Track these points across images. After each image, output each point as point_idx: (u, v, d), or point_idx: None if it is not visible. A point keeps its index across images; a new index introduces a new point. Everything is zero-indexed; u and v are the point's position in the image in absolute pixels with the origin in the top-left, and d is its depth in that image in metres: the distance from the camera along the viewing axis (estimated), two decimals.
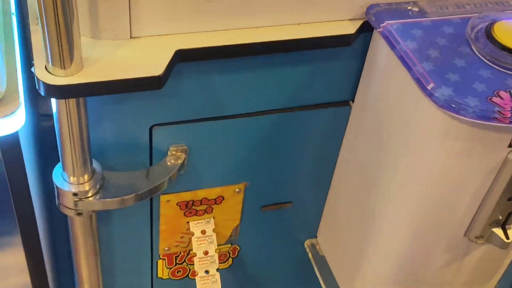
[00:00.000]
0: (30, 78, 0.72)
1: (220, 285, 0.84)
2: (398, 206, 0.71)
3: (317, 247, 0.95)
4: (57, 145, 1.04)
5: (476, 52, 0.63)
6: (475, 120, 0.58)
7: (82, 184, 0.68)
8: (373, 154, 0.74)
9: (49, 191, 0.97)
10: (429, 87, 0.59)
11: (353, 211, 0.83)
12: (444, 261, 0.77)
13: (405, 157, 0.67)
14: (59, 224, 1.06)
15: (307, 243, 0.96)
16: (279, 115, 0.77)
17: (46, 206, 0.95)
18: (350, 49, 0.71)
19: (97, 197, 0.69)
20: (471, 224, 0.70)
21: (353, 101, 0.78)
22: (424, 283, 0.81)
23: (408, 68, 0.62)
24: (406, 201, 0.70)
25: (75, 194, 0.68)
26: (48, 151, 0.96)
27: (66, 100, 0.61)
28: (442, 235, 0.72)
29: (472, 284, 0.84)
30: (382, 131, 0.71)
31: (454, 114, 0.58)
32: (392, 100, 0.68)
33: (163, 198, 0.79)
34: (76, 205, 0.69)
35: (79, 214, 0.70)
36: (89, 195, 0.69)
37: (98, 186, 0.69)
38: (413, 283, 0.81)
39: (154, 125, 0.72)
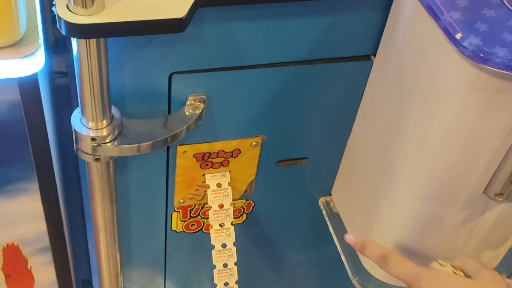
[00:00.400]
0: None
1: (234, 239, 0.85)
2: (417, 161, 0.70)
3: (331, 204, 0.94)
4: (68, 97, 1.04)
5: (506, 3, 0.61)
6: (503, 71, 0.57)
7: (100, 129, 0.68)
8: (393, 109, 0.73)
9: (63, 138, 0.97)
10: (457, 37, 0.58)
11: (369, 168, 0.82)
12: (460, 220, 0.76)
13: (428, 110, 0.66)
14: (71, 172, 1.07)
15: (321, 200, 0.95)
16: (299, 67, 0.76)
17: (61, 153, 0.95)
18: (374, 0, 0.70)
19: (115, 143, 0.69)
20: (491, 181, 0.70)
21: (374, 55, 0.77)
22: (438, 243, 0.80)
23: (436, 17, 0.61)
24: (425, 156, 0.69)
25: (93, 139, 0.68)
26: (60, 103, 0.97)
27: (87, 41, 0.60)
28: (460, 192, 0.71)
29: (485, 248, 0.84)
30: (404, 85, 0.70)
31: (482, 65, 0.57)
32: (417, 52, 0.66)
33: (180, 149, 0.79)
34: (94, 150, 0.68)
35: (97, 160, 0.70)
36: (107, 140, 0.68)
37: (116, 132, 0.69)
38: (427, 244, 0.80)
39: (174, 72, 0.71)
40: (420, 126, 0.67)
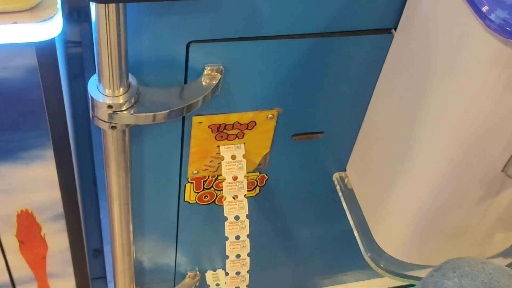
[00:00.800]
0: None
1: (247, 211, 0.84)
2: (437, 137, 0.70)
3: (346, 180, 0.94)
4: (82, 67, 1.04)
5: None
6: None
7: (117, 96, 0.67)
8: (413, 84, 0.72)
9: (76, 108, 0.97)
10: (483, 9, 0.57)
11: (386, 144, 0.81)
12: (477, 198, 0.75)
13: (450, 86, 0.65)
14: (84, 143, 1.07)
15: (335, 176, 0.95)
16: (318, 39, 0.74)
17: (74, 123, 0.95)
18: None
19: (132, 111, 0.68)
20: (510, 159, 0.69)
21: (395, 29, 0.75)
22: (452, 221, 0.80)
23: None
24: (445, 132, 0.68)
25: (109, 107, 0.67)
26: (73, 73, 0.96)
27: (106, 6, 0.59)
28: (479, 169, 0.70)
29: (500, 227, 0.84)
30: (426, 59, 0.69)
31: (508, 39, 0.56)
32: (440, 26, 0.65)
33: (196, 119, 0.79)
34: (110, 118, 0.68)
35: (113, 127, 0.69)
36: (124, 108, 0.68)
37: (133, 100, 0.68)
38: (441, 221, 0.80)
39: (192, 41, 0.70)
40: (441, 101, 0.66)
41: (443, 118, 0.67)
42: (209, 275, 1.05)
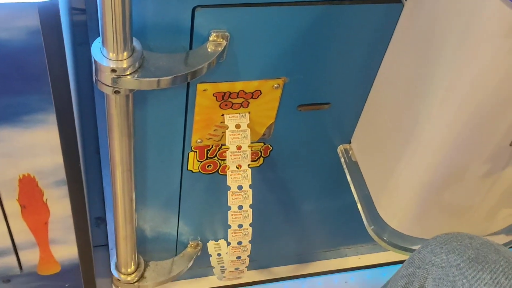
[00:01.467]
0: None
1: (250, 181, 0.84)
2: (444, 109, 0.68)
3: (350, 152, 0.93)
4: (86, 35, 1.02)
5: None
6: None
7: (121, 60, 0.66)
8: (423, 55, 0.70)
9: (80, 76, 0.96)
10: None
11: (392, 116, 0.80)
12: (483, 172, 0.75)
13: (460, 56, 0.63)
14: (88, 111, 1.06)
15: (340, 148, 0.94)
16: (327, 7, 0.73)
17: (78, 91, 0.94)
18: None
19: (135, 76, 0.67)
20: None
21: None
22: (458, 194, 0.79)
23: None
24: (454, 104, 0.67)
25: (113, 71, 0.66)
26: (77, 41, 0.95)
27: None
28: (487, 143, 0.69)
29: (505, 203, 0.83)
30: (436, 30, 0.67)
31: None
32: None
33: (200, 87, 0.78)
34: (114, 82, 0.67)
35: (116, 92, 0.68)
36: (127, 72, 0.67)
37: (137, 65, 0.67)
38: (445, 197, 0.79)
39: (197, 6, 0.69)
40: (451, 72, 0.65)
41: (453, 89, 0.66)
42: (211, 245, 1.05)
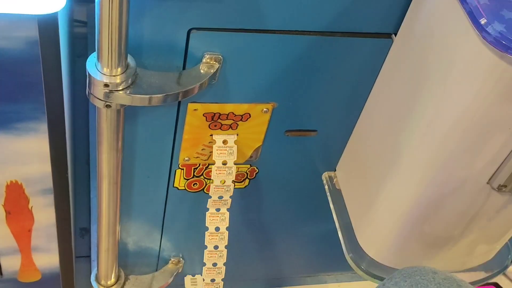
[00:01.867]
0: None
1: (232, 193, 0.85)
2: (425, 144, 0.70)
3: (335, 180, 0.95)
4: (85, 48, 1.04)
5: None
6: None
7: (114, 76, 0.68)
8: (408, 90, 0.72)
9: (76, 88, 0.98)
10: (481, 21, 0.57)
11: (376, 148, 0.82)
12: (461, 208, 0.76)
13: (442, 94, 0.66)
14: (81, 123, 1.08)
15: (325, 175, 0.96)
16: (319, 38, 0.75)
17: (72, 103, 0.95)
18: None
19: (128, 91, 0.69)
20: (496, 172, 0.69)
21: (395, 34, 0.76)
22: (436, 229, 0.81)
23: (462, 0, 0.60)
24: (434, 140, 0.69)
25: (106, 85, 0.68)
26: (76, 53, 0.96)
27: None
28: (464, 179, 0.71)
29: (482, 240, 0.84)
30: (422, 66, 0.69)
31: (503, 53, 0.57)
32: (438, 34, 0.66)
33: (191, 106, 0.79)
34: (106, 96, 0.69)
35: (108, 106, 0.70)
36: (120, 88, 0.68)
37: (130, 81, 0.69)
38: (426, 228, 0.81)
39: (193, 28, 0.71)
40: (433, 108, 0.67)
41: (434, 125, 0.68)
42: (187, 279, 1.06)
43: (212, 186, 0.84)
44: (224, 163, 0.82)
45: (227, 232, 0.91)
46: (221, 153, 0.82)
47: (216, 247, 0.89)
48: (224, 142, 0.83)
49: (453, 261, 0.87)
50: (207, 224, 0.89)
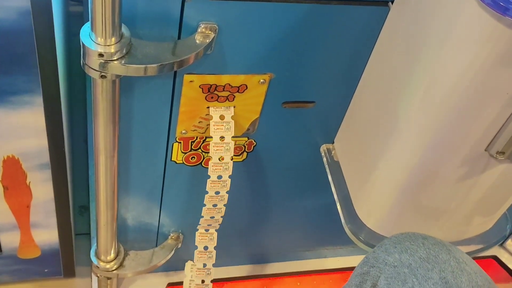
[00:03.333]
0: None
1: (231, 172, 0.85)
2: (422, 111, 0.70)
3: (333, 152, 0.94)
4: (81, 19, 1.03)
5: None
6: None
7: (108, 45, 0.67)
8: (406, 57, 0.72)
9: (72, 67, 0.97)
10: None
11: (374, 117, 0.82)
12: (459, 176, 0.76)
13: (440, 59, 0.65)
14: (78, 101, 1.07)
15: (323, 147, 0.95)
16: (315, 5, 0.74)
17: (69, 80, 0.95)
18: None
19: (122, 61, 0.68)
20: (494, 138, 0.69)
21: (392, 1, 0.75)
22: (434, 198, 0.80)
23: None
24: (431, 106, 0.68)
25: (100, 55, 0.67)
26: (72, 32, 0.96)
27: None
28: (462, 146, 0.71)
29: (481, 209, 0.84)
30: (419, 33, 0.69)
31: (501, 15, 0.56)
32: (436, 0, 0.65)
33: (187, 78, 0.79)
34: (101, 67, 0.68)
35: (103, 77, 0.69)
36: (115, 58, 0.68)
37: (124, 51, 0.68)
38: (424, 197, 0.80)
39: None
40: (430, 74, 0.66)
41: (431, 91, 0.67)
42: (188, 265, 1.06)
43: (210, 163, 0.84)
44: (222, 139, 0.82)
45: (227, 195, 0.90)
46: (218, 128, 0.82)
47: (214, 205, 0.89)
48: (221, 117, 0.82)
49: (451, 230, 0.87)
50: (208, 189, 0.88)
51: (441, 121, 0.68)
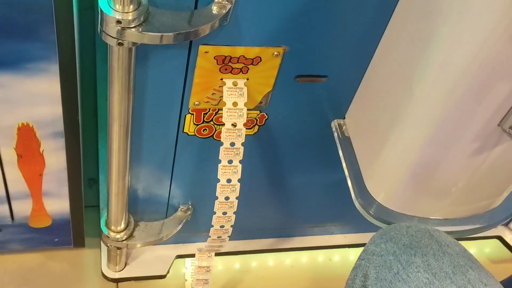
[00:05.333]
0: None
1: (243, 139, 0.85)
2: (437, 85, 0.70)
3: (344, 128, 0.95)
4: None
5: None
6: None
7: (126, 13, 0.67)
8: (422, 30, 0.72)
9: (82, 36, 0.97)
10: None
11: (387, 92, 0.82)
12: (471, 151, 0.76)
13: (457, 31, 0.65)
14: (88, 71, 1.08)
15: (334, 123, 0.96)
16: None
17: (80, 50, 0.95)
18: None
19: (140, 29, 0.69)
20: (508, 113, 0.70)
21: None
22: (446, 173, 0.81)
23: None
24: (447, 80, 0.69)
25: (118, 22, 0.68)
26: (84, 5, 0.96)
27: None
28: (475, 122, 0.71)
29: (491, 185, 0.85)
30: (436, 6, 0.69)
31: None
32: None
33: (202, 48, 0.79)
34: (118, 34, 0.69)
35: (120, 44, 0.70)
36: (132, 25, 0.68)
37: (142, 19, 0.69)
38: (433, 175, 0.81)
39: None
40: (446, 47, 0.67)
41: (447, 65, 0.68)
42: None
43: (223, 129, 0.84)
44: (235, 105, 0.82)
45: (239, 184, 0.90)
46: (231, 94, 0.82)
47: (229, 180, 0.89)
48: (234, 83, 0.83)
49: (459, 207, 0.88)
50: (219, 176, 0.89)
51: (456, 95, 0.68)
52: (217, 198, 0.93)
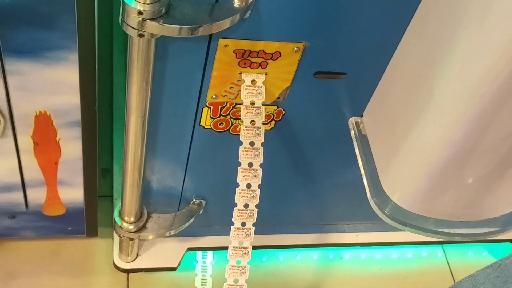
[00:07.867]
0: None
1: (263, 138, 0.85)
2: (460, 86, 0.69)
3: (361, 126, 0.94)
4: None
5: None
6: None
7: (148, 4, 0.67)
8: (444, 31, 0.71)
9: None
10: None
11: (407, 92, 0.81)
12: (490, 154, 0.76)
13: (480, 32, 0.64)
14: (104, 62, 1.07)
15: (351, 120, 0.95)
16: None
17: (102, 30, 0.95)
18: None
19: (161, 21, 0.69)
20: None
21: None
22: (461, 178, 0.80)
23: None
24: (469, 82, 0.68)
25: (140, 13, 0.67)
26: None
27: None
28: (497, 123, 0.70)
29: (506, 194, 0.84)
30: (459, 5, 0.68)
31: None
32: None
33: (222, 42, 0.79)
34: (139, 25, 0.68)
35: (141, 35, 0.70)
36: (154, 17, 0.68)
37: (163, 11, 0.68)
38: (451, 176, 0.80)
39: None
40: (470, 47, 0.66)
41: (469, 66, 0.67)
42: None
43: (242, 127, 0.83)
44: (252, 103, 0.82)
45: (259, 190, 0.86)
46: (249, 93, 0.82)
47: (249, 185, 0.87)
48: (253, 82, 0.82)
49: (475, 209, 0.87)
50: (238, 180, 0.85)
51: (478, 97, 0.68)
52: (235, 205, 0.89)
